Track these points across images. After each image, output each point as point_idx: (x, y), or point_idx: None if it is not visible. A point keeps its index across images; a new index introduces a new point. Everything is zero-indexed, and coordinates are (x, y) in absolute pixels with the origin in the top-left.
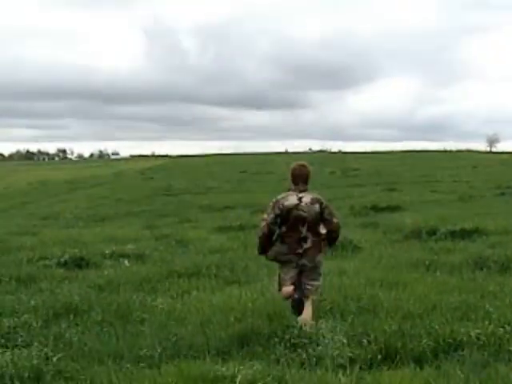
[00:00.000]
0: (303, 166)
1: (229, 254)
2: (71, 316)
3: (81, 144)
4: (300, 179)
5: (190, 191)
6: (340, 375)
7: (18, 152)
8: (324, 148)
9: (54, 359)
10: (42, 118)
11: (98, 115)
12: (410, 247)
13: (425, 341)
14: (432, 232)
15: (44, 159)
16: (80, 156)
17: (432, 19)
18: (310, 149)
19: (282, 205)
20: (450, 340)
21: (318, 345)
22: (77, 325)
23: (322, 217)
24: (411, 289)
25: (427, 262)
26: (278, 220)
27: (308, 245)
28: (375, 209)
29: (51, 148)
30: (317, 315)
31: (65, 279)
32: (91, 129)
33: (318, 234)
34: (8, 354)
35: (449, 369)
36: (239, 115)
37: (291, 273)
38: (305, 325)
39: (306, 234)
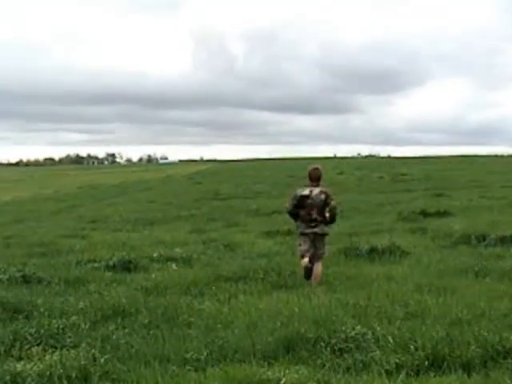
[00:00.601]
0: (317, 169)
1: (276, 259)
2: (119, 318)
3: (130, 148)
4: (314, 178)
5: (238, 196)
6: (386, 381)
7: (67, 156)
8: (373, 153)
9: (102, 360)
10: (92, 123)
11: (147, 120)
12: (459, 253)
13: (473, 348)
14: (482, 238)
15: (93, 163)
16: (129, 160)
17: (484, 20)
18: (358, 154)
19: (299, 195)
20: (498, 347)
21: (364, 350)
22: (124, 327)
23: (326, 203)
24: (460, 295)
25: (476, 268)
26: (296, 205)
27: (317, 221)
28: (424, 214)
29: (100, 152)
30: (363, 320)
31: (113, 282)
32: (140, 133)
33: (324, 215)
34: (56, 354)
35: (497, 377)
36: (288, 120)
37: (307, 245)
38: (315, 279)
39: (316, 216)
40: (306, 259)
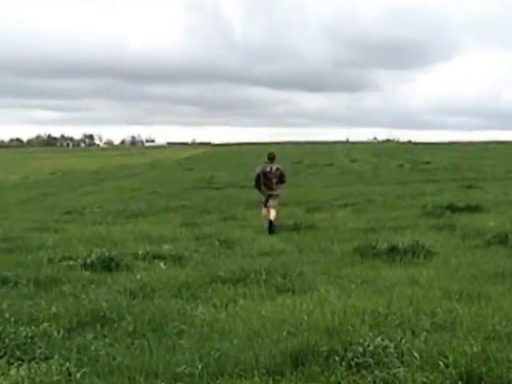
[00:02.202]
0: (272, 152)
1: (281, 258)
2: (98, 325)
3: (111, 129)
4: (271, 159)
5: (236, 184)
6: None
7: (38, 137)
8: (391, 137)
9: (78, 375)
10: (67, 99)
11: (131, 96)
12: (494, 254)
13: None
14: None
15: (68, 145)
16: (109, 143)
17: None
18: (374, 138)
19: (262, 170)
20: None
21: (385, 366)
22: (104, 336)
23: (281, 176)
24: (496, 303)
25: None
26: (261, 177)
27: (275, 187)
28: (452, 209)
29: (76, 133)
30: (383, 331)
31: (91, 283)
32: (123, 112)
33: (279, 182)
34: (24, 368)
35: None
36: (293, 98)
37: (265, 200)
38: (274, 218)
39: (274, 183)
40: (265, 209)
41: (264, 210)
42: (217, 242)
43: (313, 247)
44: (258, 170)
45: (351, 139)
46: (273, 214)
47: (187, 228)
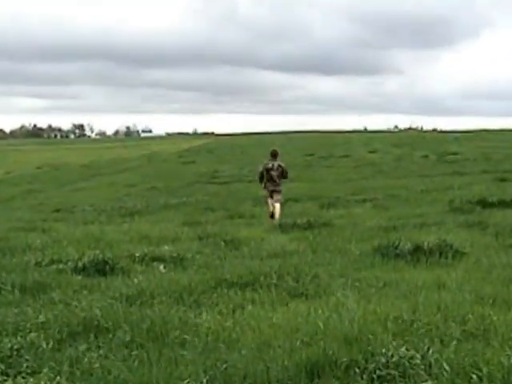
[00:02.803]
0: (275, 150)
1: (293, 259)
2: (91, 335)
3: (103, 118)
4: (273, 155)
5: (243, 179)
6: None
7: (22, 127)
8: (414, 125)
9: None
10: (53, 84)
11: (125, 81)
12: None
13: None
14: None
15: (56, 136)
16: (102, 133)
17: None
18: (395, 126)
19: (266, 166)
20: None
21: (412, 379)
22: (98, 347)
23: (283, 172)
24: None
25: None
26: (264, 173)
27: (277, 183)
28: (483, 204)
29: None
30: (408, 340)
31: (83, 288)
32: (116, 99)
33: (281, 178)
34: (9, 383)
35: None
36: (305, 83)
37: (269, 199)
38: (278, 215)
39: (277, 179)
40: (270, 200)
41: (269, 203)
42: (222, 243)
43: (328, 247)
44: (261, 168)
45: (369, 127)
46: (277, 208)
47: (189, 227)
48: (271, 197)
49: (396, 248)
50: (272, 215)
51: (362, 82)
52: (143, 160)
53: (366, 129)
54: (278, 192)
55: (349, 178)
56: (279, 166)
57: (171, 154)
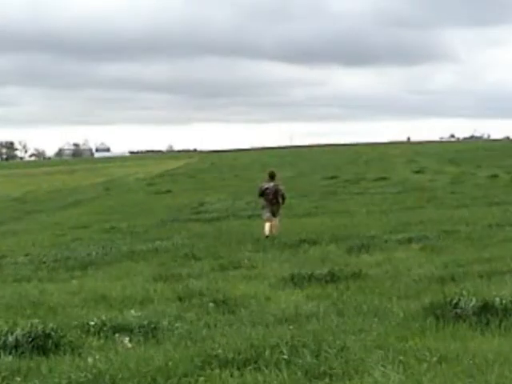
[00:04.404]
0: (272, 171)
1: (311, 325)
2: None
3: (40, 132)
4: (271, 177)
5: (238, 213)
6: None
7: None
8: (477, 133)
9: None
10: None
11: (70, 81)
12: None
13: None
14: None
15: None
16: (39, 153)
17: None
18: (451, 135)
19: (261, 188)
20: None
21: None
22: None
23: (279, 192)
24: None
25: None
26: (262, 193)
27: (275, 205)
28: None
29: None
30: None
31: (15, 374)
32: (58, 105)
33: (278, 200)
34: None
35: None
36: (321, 77)
37: (267, 213)
38: (275, 230)
39: (272, 199)
40: (268, 224)
41: (266, 226)
42: (211, 304)
43: (360, 307)
44: (259, 189)
45: (414, 138)
46: (275, 223)
47: (164, 283)
48: (269, 220)
49: (455, 307)
50: (268, 232)
51: (401, 75)
52: (99, 190)
53: (409, 139)
54: (276, 208)
55: (387, 208)
56: (276, 188)
57: (138, 181)
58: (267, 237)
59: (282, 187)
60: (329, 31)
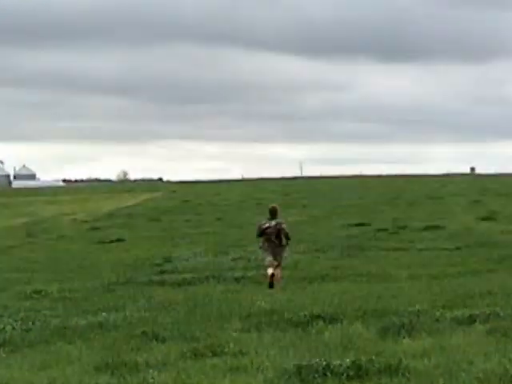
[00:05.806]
0: (274, 207)
1: None
2: None
3: None
4: (272, 213)
5: (221, 274)
6: None
7: None
8: None
9: None
10: None
11: None
12: None
13: None
14: None
15: None
16: None
17: None
18: None
19: (261, 227)
20: None
21: None
22: None
23: (281, 231)
24: None
25: None
26: (262, 233)
27: (278, 245)
28: None
29: None
30: None
31: None
32: None
33: (281, 240)
34: None
35: None
36: (347, 75)
37: (269, 257)
38: (278, 281)
39: (274, 240)
40: (271, 270)
41: (269, 270)
42: None
43: None
44: (257, 228)
45: (481, 168)
46: (278, 274)
47: (112, 375)
48: (271, 265)
49: None
50: (271, 284)
51: (463, 76)
52: (18, 236)
53: (473, 170)
54: (278, 250)
55: (439, 272)
56: (278, 225)
57: (76, 224)
58: (271, 285)
59: (284, 225)
60: (355, 12)
